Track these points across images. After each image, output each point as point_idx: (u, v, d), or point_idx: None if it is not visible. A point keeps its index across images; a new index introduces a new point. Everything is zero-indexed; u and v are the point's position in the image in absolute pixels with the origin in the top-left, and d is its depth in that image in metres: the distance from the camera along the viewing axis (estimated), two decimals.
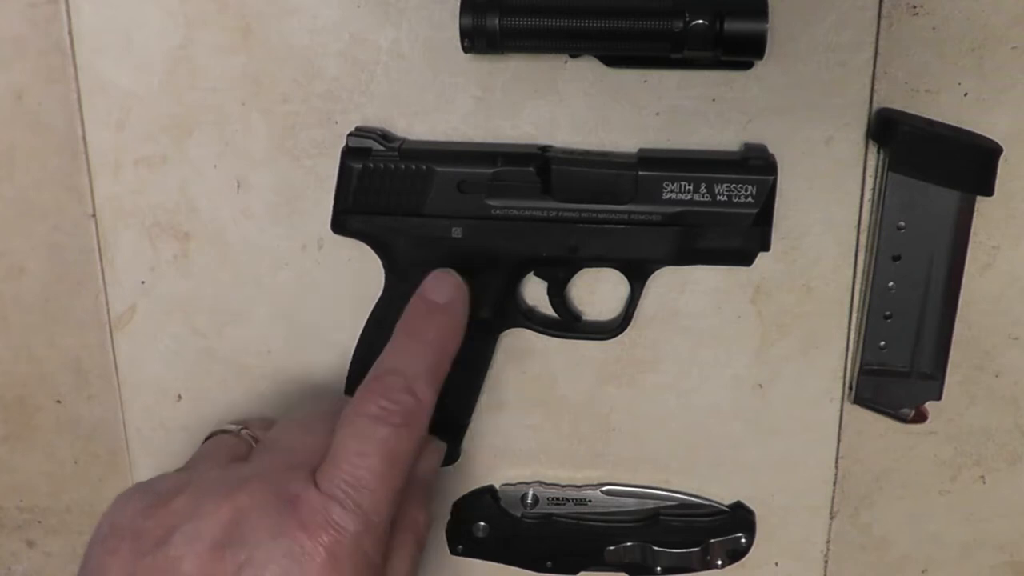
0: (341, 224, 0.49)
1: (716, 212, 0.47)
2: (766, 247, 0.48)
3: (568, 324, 0.51)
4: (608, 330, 0.51)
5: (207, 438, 0.47)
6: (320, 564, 0.37)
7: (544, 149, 0.48)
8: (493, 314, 0.49)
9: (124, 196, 0.52)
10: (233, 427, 0.46)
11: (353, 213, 0.48)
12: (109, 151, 0.51)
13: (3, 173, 0.52)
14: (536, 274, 0.51)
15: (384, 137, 0.48)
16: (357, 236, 0.49)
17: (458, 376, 0.49)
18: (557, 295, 0.51)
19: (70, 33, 0.50)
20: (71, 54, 0.50)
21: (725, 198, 0.47)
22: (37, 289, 0.54)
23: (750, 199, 0.47)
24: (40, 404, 0.56)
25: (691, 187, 0.47)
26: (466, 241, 0.48)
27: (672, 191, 0.47)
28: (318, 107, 0.49)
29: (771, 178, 0.47)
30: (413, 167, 0.47)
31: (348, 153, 0.48)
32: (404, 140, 0.49)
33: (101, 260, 0.53)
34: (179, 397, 0.55)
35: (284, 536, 0.37)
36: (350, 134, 0.48)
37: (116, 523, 0.39)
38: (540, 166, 0.47)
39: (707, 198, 0.47)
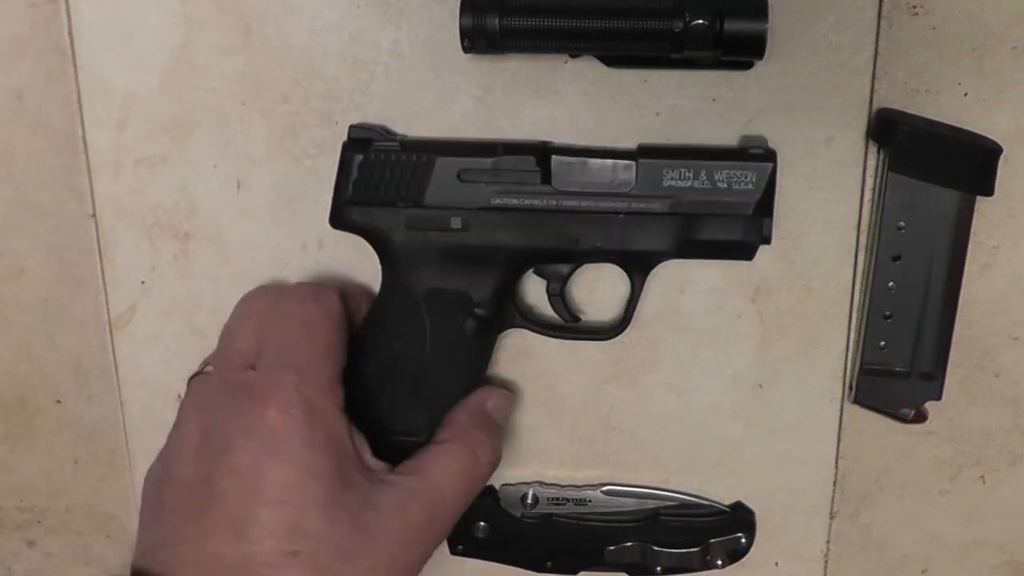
0: (340, 217, 0.48)
1: (717, 200, 0.46)
2: (767, 239, 0.47)
3: (568, 324, 0.51)
4: (608, 330, 0.51)
5: (188, 385, 0.49)
6: (272, 418, 0.42)
7: (545, 143, 0.48)
8: (492, 312, 0.49)
9: (124, 196, 0.52)
10: (198, 369, 0.50)
11: (352, 205, 0.48)
12: (109, 151, 0.51)
13: (3, 173, 0.52)
14: (535, 272, 0.50)
15: (385, 132, 0.48)
16: (355, 230, 0.48)
17: (458, 377, 0.49)
18: (557, 294, 0.50)
19: (70, 33, 0.50)
20: (71, 54, 0.50)
21: (725, 185, 0.46)
22: (37, 289, 0.54)
23: (750, 186, 0.46)
24: (40, 404, 0.56)
25: (691, 174, 0.46)
26: (465, 232, 0.47)
27: (672, 178, 0.46)
28: (318, 107, 0.49)
29: (771, 164, 0.46)
30: (414, 157, 0.47)
31: (349, 144, 0.48)
32: (405, 136, 0.49)
33: (101, 260, 0.53)
34: (179, 397, 0.55)
35: (242, 412, 0.43)
36: (352, 126, 0.48)
37: (144, 486, 0.46)
38: (540, 156, 0.47)
39: (707, 185, 0.46)
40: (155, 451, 0.56)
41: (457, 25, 0.44)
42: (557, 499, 0.54)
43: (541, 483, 0.54)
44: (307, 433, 0.42)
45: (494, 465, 0.48)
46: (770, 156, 0.47)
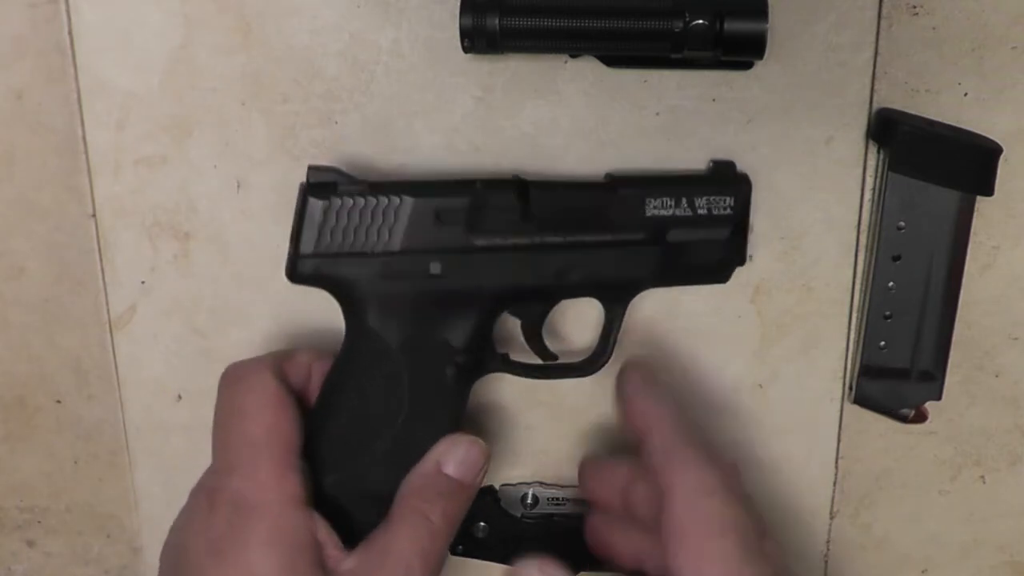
0: (300, 271, 0.44)
1: (697, 226, 0.46)
2: (743, 260, 0.48)
3: (547, 364, 0.49)
4: (589, 366, 0.49)
5: None
6: (215, 523, 0.42)
7: (519, 177, 0.47)
8: (472, 358, 0.46)
9: (124, 196, 0.52)
10: None
11: (316, 257, 0.44)
12: (109, 151, 0.51)
13: (3, 173, 0.52)
14: (511, 312, 0.48)
15: (344, 173, 0.45)
16: (319, 283, 0.45)
17: (437, 430, 0.46)
18: (535, 334, 0.48)
19: (70, 33, 0.50)
20: (71, 54, 0.50)
21: (705, 211, 0.46)
22: (37, 289, 0.54)
23: (728, 210, 0.47)
24: (40, 404, 0.56)
25: (672, 202, 0.46)
26: (446, 277, 0.45)
27: (655, 207, 0.46)
28: (318, 107, 0.49)
29: (748, 188, 0.47)
30: (386, 200, 0.44)
31: (310, 189, 0.44)
32: (365, 179, 0.45)
33: (101, 260, 0.53)
34: (179, 397, 0.55)
35: (196, 515, 0.44)
36: (311, 167, 0.44)
37: None
38: (519, 191, 0.45)
39: (688, 212, 0.46)
40: (155, 451, 0.56)
41: (457, 25, 0.44)
42: (557, 499, 0.54)
43: (541, 483, 0.54)
44: (248, 534, 0.42)
45: (455, 522, 0.45)
46: (745, 179, 0.47)
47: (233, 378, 0.46)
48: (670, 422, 0.46)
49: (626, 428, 0.48)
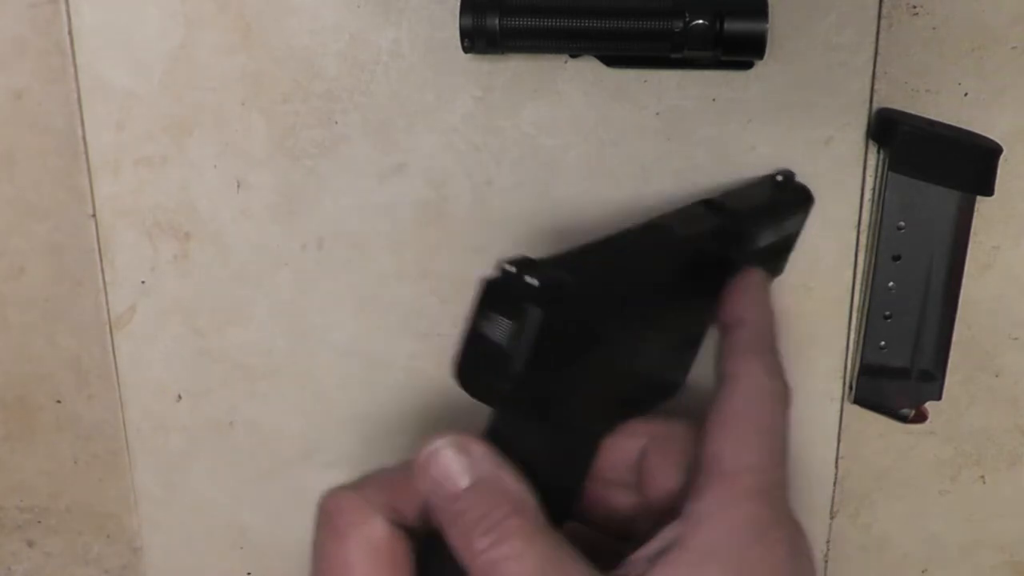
0: (511, 395, 0.34)
1: (779, 245, 0.48)
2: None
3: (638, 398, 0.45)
4: (674, 388, 0.47)
5: None
6: None
7: (655, 227, 0.42)
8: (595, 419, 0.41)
9: (124, 196, 0.52)
10: None
11: (533, 379, 0.34)
12: (109, 151, 0.51)
13: (3, 173, 0.52)
14: None
15: (528, 262, 0.34)
16: (526, 405, 0.36)
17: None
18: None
19: (70, 33, 0.50)
20: (71, 54, 0.50)
21: (785, 232, 0.48)
22: (37, 289, 0.54)
23: (799, 226, 0.48)
24: (40, 404, 0.56)
25: (773, 231, 0.46)
26: (628, 357, 0.40)
27: (764, 239, 0.46)
28: (318, 107, 0.49)
29: (812, 204, 0.48)
30: (605, 301, 0.36)
31: (528, 294, 0.33)
32: (551, 264, 0.35)
33: (101, 260, 0.53)
34: (179, 397, 0.55)
35: None
36: (513, 267, 0.34)
37: None
38: (681, 264, 0.41)
39: (777, 237, 0.47)
40: (155, 451, 0.56)
41: (457, 25, 0.44)
42: None
43: None
44: None
45: None
46: (811, 195, 0.48)
47: (337, 528, 0.37)
48: (762, 326, 0.43)
49: (717, 321, 0.44)
